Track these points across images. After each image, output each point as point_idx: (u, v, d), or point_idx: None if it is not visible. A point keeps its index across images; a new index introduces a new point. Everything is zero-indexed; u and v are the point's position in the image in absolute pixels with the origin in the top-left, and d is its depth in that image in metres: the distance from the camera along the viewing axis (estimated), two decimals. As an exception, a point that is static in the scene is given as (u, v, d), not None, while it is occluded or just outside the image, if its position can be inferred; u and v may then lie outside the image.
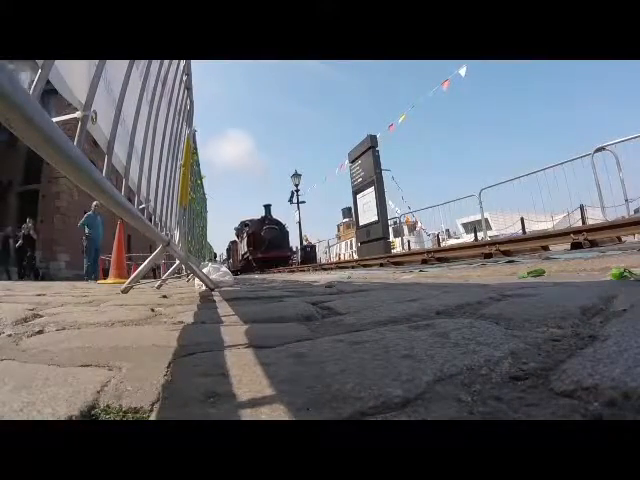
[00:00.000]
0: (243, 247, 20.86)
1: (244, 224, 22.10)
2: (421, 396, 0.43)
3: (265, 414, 0.40)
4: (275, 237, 18.06)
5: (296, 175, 16.55)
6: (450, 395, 0.42)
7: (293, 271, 9.99)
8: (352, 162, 11.76)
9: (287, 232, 19.23)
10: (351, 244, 22.05)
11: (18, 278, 9.90)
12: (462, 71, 8.97)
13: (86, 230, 7.33)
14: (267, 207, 19.76)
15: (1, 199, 14.53)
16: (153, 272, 10.30)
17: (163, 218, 2.74)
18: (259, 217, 19.65)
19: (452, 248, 6.12)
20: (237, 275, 17.17)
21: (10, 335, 0.91)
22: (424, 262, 5.70)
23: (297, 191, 16.80)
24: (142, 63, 1.74)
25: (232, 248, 28.17)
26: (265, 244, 17.70)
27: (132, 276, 2.65)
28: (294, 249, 19.48)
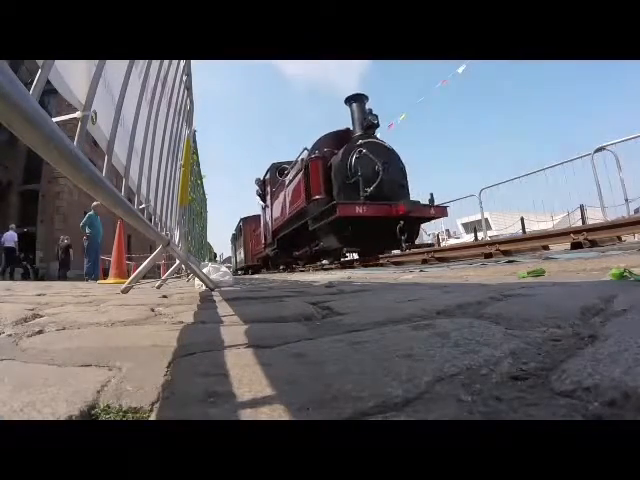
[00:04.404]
0: (280, 207, 9.57)
1: (277, 168, 10.61)
2: (421, 396, 0.43)
3: (265, 414, 0.40)
4: (393, 170, 7.10)
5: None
6: (450, 395, 0.42)
7: (293, 271, 9.73)
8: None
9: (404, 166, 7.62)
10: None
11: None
12: (460, 70, 9.00)
13: (87, 230, 7.34)
14: (359, 99, 7.60)
15: (1, 199, 14.56)
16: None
17: (163, 218, 2.75)
18: (334, 131, 8.47)
19: (452, 248, 6.12)
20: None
21: (10, 335, 0.91)
22: (424, 262, 5.70)
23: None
24: (142, 63, 1.74)
25: (243, 232, 16.16)
26: (368, 183, 6.66)
27: (132, 276, 2.65)
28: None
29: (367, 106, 7.54)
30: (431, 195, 7.11)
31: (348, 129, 8.04)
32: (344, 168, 7.01)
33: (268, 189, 11.28)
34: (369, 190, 6.59)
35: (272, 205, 10.75)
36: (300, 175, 7.91)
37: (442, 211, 7.25)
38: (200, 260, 8.95)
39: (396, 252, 6.98)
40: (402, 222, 6.36)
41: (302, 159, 8.12)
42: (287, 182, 9.08)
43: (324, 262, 8.46)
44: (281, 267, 11.47)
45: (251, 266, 15.48)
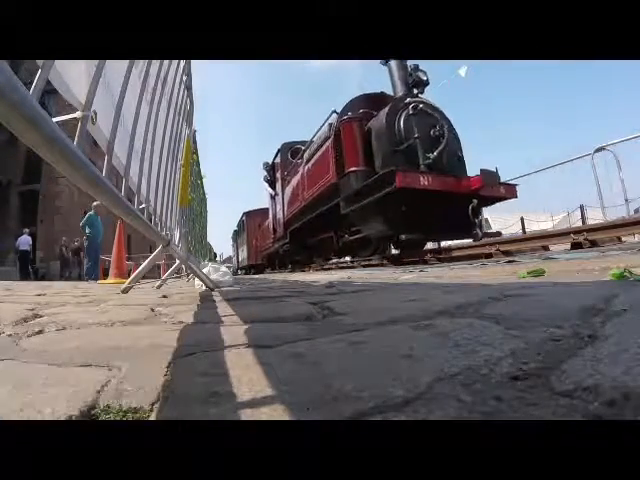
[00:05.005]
0: (295, 192, 7.93)
1: (290, 149, 9.02)
2: (421, 396, 0.42)
3: (265, 414, 0.40)
4: (449, 137, 5.15)
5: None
6: (450, 395, 0.42)
7: (293, 271, 9.62)
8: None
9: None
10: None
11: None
12: (462, 71, 8.95)
13: (87, 230, 7.34)
14: (411, 69, 5.60)
15: (1, 199, 14.58)
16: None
17: (163, 218, 2.75)
18: (365, 93, 6.50)
19: (452, 248, 6.12)
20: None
21: (10, 335, 0.91)
22: (424, 262, 5.70)
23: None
24: (142, 63, 1.74)
25: (246, 227, 14.60)
26: (427, 149, 4.96)
27: (132, 276, 2.65)
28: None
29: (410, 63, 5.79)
30: (496, 169, 5.28)
31: (382, 92, 6.33)
32: (390, 131, 5.18)
33: (278, 175, 9.31)
34: (432, 156, 4.85)
35: (283, 192, 8.89)
36: (328, 144, 5.98)
37: (512, 191, 5.35)
38: (200, 260, 8.92)
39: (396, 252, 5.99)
40: (475, 201, 4.66)
41: (330, 124, 6.25)
42: (305, 160, 7.17)
43: (322, 262, 7.41)
44: (289, 266, 10.03)
45: (254, 265, 13.87)
